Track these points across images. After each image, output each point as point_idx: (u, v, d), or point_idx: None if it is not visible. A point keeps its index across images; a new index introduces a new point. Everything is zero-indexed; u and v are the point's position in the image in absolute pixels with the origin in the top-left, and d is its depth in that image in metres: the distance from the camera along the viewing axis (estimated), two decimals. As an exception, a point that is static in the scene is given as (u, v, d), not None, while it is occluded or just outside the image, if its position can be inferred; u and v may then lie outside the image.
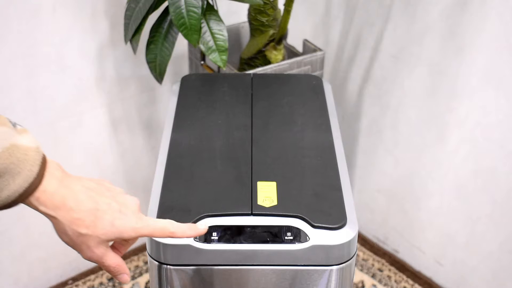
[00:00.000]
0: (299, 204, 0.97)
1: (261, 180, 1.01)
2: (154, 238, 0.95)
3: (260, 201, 0.96)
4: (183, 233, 0.84)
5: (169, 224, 0.84)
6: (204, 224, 0.87)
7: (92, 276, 1.86)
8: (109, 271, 0.84)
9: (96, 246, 0.81)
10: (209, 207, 0.97)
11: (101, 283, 1.85)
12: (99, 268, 1.88)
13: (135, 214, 0.83)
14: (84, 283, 1.85)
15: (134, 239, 0.85)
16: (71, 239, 0.80)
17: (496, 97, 1.51)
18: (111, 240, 0.82)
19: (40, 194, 0.77)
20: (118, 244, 0.87)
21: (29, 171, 0.75)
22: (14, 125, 0.77)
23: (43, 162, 0.77)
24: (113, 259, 0.83)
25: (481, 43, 1.49)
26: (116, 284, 1.85)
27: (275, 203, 0.96)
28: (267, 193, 0.98)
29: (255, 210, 0.97)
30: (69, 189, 0.79)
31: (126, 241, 0.87)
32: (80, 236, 0.79)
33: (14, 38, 1.46)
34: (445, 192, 1.73)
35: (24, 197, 0.76)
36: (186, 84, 1.29)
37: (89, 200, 0.80)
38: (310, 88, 1.28)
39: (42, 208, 0.78)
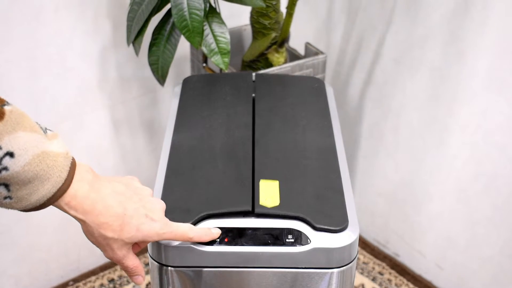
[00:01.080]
0: (300, 206, 0.97)
1: (264, 179, 1.01)
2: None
3: (263, 201, 0.96)
4: (199, 238, 0.90)
5: (189, 230, 0.89)
6: (217, 229, 0.92)
7: (93, 278, 1.86)
8: (126, 271, 0.89)
9: (119, 248, 0.86)
10: (210, 207, 0.97)
11: (101, 285, 1.85)
12: (100, 269, 1.88)
13: (160, 219, 0.88)
14: (85, 284, 1.85)
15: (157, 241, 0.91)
16: (97, 241, 0.85)
17: (497, 101, 1.51)
18: (135, 243, 0.88)
19: (71, 198, 0.80)
20: (135, 246, 0.91)
21: (58, 177, 0.78)
22: (45, 130, 0.80)
23: (72, 168, 0.80)
24: (132, 261, 0.89)
25: (482, 47, 1.49)
26: (117, 286, 1.85)
27: (278, 203, 0.96)
28: (269, 192, 0.98)
29: (256, 211, 0.97)
30: (98, 194, 0.82)
31: (141, 244, 0.92)
32: (106, 239, 0.84)
33: (16, 40, 1.47)
34: (446, 196, 1.73)
35: (52, 200, 0.79)
36: (188, 85, 1.29)
37: (117, 205, 0.84)
38: (312, 90, 1.28)
39: (72, 212, 0.82)
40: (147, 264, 1.91)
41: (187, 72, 1.72)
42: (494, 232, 1.64)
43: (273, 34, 1.50)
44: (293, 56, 1.58)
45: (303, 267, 0.95)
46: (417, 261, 1.89)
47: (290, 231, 0.94)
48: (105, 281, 1.86)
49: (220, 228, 0.95)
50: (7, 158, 0.73)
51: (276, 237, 0.94)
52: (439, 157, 1.70)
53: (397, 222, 1.91)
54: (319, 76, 1.53)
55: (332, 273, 0.96)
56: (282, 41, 1.50)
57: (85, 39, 1.57)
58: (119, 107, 1.72)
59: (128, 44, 1.41)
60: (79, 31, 1.55)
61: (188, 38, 1.32)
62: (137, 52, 1.42)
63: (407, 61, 1.68)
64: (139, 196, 0.88)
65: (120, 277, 1.88)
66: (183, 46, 1.60)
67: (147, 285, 1.86)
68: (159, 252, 0.95)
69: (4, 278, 1.73)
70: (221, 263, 0.95)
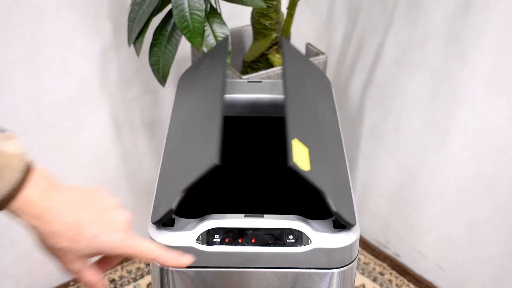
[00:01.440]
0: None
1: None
2: (155, 240, 0.95)
3: (297, 158, 0.92)
4: (164, 261, 0.82)
5: (154, 249, 0.81)
6: (188, 257, 0.84)
7: (94, 278, 1.86)
8: (87, 286, 0.82)
9: (74, 261, 0.79)
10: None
11: (102, 285, 1.85)
12: (101, 270, 1.88)
13: (122, 231, 0.80)
14: (86, 285, 1.84)
15: (119, 256, 0.82)
16: (52, 252, 0.79)
17: (498, 101, 1.51)
18: (91, 256, 0.79)
19: (22, 203, 0.75)
20: (104, 259, 0.84)
21: (10, 178, 0.73)
22: (2, 130, 0.75)
23: (27, 171, 0.75)
24: (91, 276, 0.81)
25: (483, 48, 1.49)
26: (118, 286, 1.85)
27: (309, 168, 0.93)
28: (301, 154, 0.94)
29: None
30: (52, 201, 0.77)
31: (112, 257, 0.84)
32: (58, 249, 0.78)
33: (18, 41, 1.47)
34: (447, 196, 1.73)
35: (4, 203, 0.74)
36: (181, 83, 1.29)
37: (72, 213, 0.77)
38: (323, 83, 1.27)
39: (24, 217, 0.76)
40: (147, 265, 1.91)
41: (188, 73, 1.72)
42: (495, 232, 1.64)
43: (274, 35, 1.50)
44: (294, 56, 1.58)
45: (304, 267, 0.95)
46: (418, 261, 1.89)
47: (291, 231, 0.94)
48: (105, 282, 1.86)
49: (221, 228, 0.95)
50: None
51: (276, 237, 0.94)
52: (439, 158, 1.70)
53: (398, 223, 1.91)
54: (320, 76, 1.53)
55: (332, 273, 0.96)
56: (283, 42, 1.50)
57: (86, 39, 1.57)
58: (120, 108, 1.72)
59: (129, 45, 1.41)
60: (80, 32, 1.55)
61: (189, 39, 1.32)
62: (138, 52, 1.42)
63: (408, 62, 1.68)
64: (100, 206, 0.81)
65: (120, 277, 1.88)
66: (184, 46, 1.61)
67: (148, 285, 1.86)
68: (160, 253, 0.95)
69: (5, 278, 1.73)
70: (222, 263, 0.95)
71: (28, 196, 0.75)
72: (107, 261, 0.84)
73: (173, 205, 0.91)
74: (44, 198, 0.76)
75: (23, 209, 0.76)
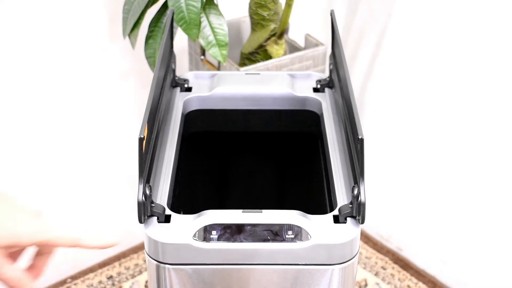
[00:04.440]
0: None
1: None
2: (151, 237, 0.93)
3: None
4: (94, 243, 0.79)
5: (81, 235, 0.78)
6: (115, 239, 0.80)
7: (91, 275, 1.85)
8: (9, 285, 0.76)
9: None
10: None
11: (100, 282, 1.83)
12: (98, 266, 1.87)
13: (35, 217, 0.76)
14: (83, 281, 1.83)
15: (47, 250, 0.79)
16: None
17: (501, 97, 1.50)
18: (8, 248, 0.74)
19: None
20: (35, 261, 0.80)
21: None
22: None
23: None
24: (11, 271, 0.75)
25: (490, 39, 1.47)
26: (116, 283, 1.83)
27: None
28: None
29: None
30: None
31: (40, 254, 0.79)
32: None
33: (8, 36, 1.45)
34: (450, 190, 1.72)
35: None
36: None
37: None
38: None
39: None
40: (145, 261, 1.90)
41: (185, 66, 1.70)
42: (499, 226, 1.63)
43: (272, 26, 1.48)
44: (293, 47, 1.56)
45: (304, 263, 0.93)
46: (420, 255, 1.88)
47: (290, 227, 0.92)
48: (103, 278, 1.84)
49: (218, 224, 0.93)
50: None
51: (275, 233, 0.92)
52: (443, 150, 1.69)
53: (400, 216, 1.90)
54: (319, 68, 1.51)
55: (333, 269, 0.94)
56: (281, 33, 1.48)
57: (80, 31, 1.55)
58: (116, 101, 1.70)
59: (124, 37, 1.39)
60: (74, 24, 1.53)
61: (185, 30, 1.31)
62: (133, 45, 1.40)
63: (409, 53, 1.66)
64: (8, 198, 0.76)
65: (118, 274, 1.86)
66: (181, 38, 1.59)
67: (146, 282, 1.84)
68: (156, 250, 0.94)
69: (1, 275, 1.72)
70: (219, 260, 0.93)
71: None
72: (37, 261, 0.80)
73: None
74: None
75: None
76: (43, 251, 0.80)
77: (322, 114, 1.18)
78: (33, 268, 0.81)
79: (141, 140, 0.91)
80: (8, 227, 0.73)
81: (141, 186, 0.90)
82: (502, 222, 1.62)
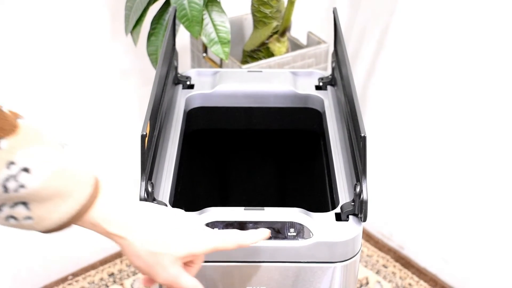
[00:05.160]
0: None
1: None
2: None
3: None
4: (252, 240, 0.84)
5: (241, 235, 0.83)
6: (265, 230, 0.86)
7: (93, 272, 1.85)
8: None
9: (171, 266, 0.78)
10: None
11: (101, 279, 1.83)
12: (100, 263, 1.87)
13: (203, 228, 0.82)
14: (84, 278, 1.83)
15: (202, 259, 0.83)
16: (145, 261, 0.78)
17: (504, 95, 1.49)
18: (185, 258, 0.79)
19: (106, 214, 0.75)
20: (186, 268, 0.83)
21: (81, 193, 0.73)
22: (63, 146, 0.75)
23: (96, 184, 0.75)
24: (189, 280, 0.80)
25: (494, 38, 1.47)
26: (117, 280, 1.83)
27: None
28: None
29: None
30: (132, 209, 0.77)
31: (192, 264, 0.83)
32: (154, 255, 0.77)
33: (10, 34, 1.44)
34: (451, 188, 1.71)
35: (76, 218, 0.73)
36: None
37: (157, 218, 0.78)
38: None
39: (111, 228, 0.76)
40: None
41: (187, 63, 1.70)
42: (500, 225, 1.63)
43: (275, 23, 1.47)
44: (295, 45, 1.56)
45: (306, 261, 0.93)
46: (422, 254, 1.87)
47: (292, 224, 0.92)
48: (105, 275, 1.84)
49: (220, 221, 0.93)
50: (24, 174, 0.68)
51: (278, 231, 0.92)
52: (445, 149, 1.68)
53: (402, 215, 1.89)
54: (321, 65, 1.51)
55: (335, 267, 0.94)
56: (283, 30, 1.48)
57: (82, 28, 1.55)
58: (118, 99, 1.70)
59: (126, 34, 1.39)
60: (76, 21, 1.53)
61: (187, 28, 1.30)
62: (135, 42, 1.40)
63: (411, 51, 1.66)
64: (171, 210, 0.82)
65: (120, 271, 1.86)
66: (183, 36, 1.58)
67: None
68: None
69: (2, 272, 1.72)
70: (221, 257, 0.93)
71: (108, 207, 0.75)
72: (189, 268, 0.83)
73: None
74: (122, 207, 0.76)
75: (110, 220, 0.75)
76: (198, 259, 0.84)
77: (324, 111, 1.18)
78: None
79: (143, 137, 0.91)
80: (186, 241, 0.78)
81: (143, 183, 0.90)
82: (503, 221, 1.62)
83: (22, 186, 0.68)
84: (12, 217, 0.71)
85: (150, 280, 0.82)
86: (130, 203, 0.78)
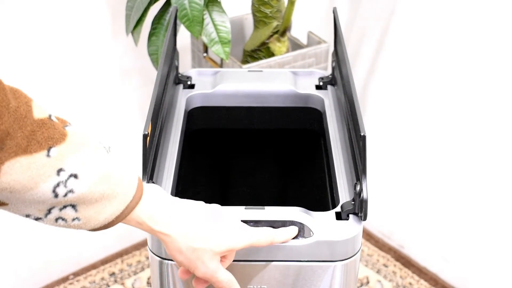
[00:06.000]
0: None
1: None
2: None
3: None
4: (284, 238, 0.89)
5: (271, 231, 0.88)
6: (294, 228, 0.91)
7: (94, 271, 1.85)
8: (220, 287, 0.85)
9: (210, 260, 0.83)
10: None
11: (102, 278, 1.83)
12: (101, 262, 1.87)
13: (240, 224, 0.86)
14: (85, 278, 1.83)
15: (234, 254, 0.87)
16: (186, 256, 0.82)
17: (504, 94, 1.49)
18: (223, 253, 0.84)
19: (150, 213, 0.80)
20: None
21: (125, 194, 0.77)
22: (108, 150, 0.79)
23: (140, 185, 0.80)
24: (226, 274, 0.85)
25: (494, 39, 1.47)
26: (118, 280, 1.84)
27: None
28: None
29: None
30: (175, 204, 0.82)
31: (225, 259, 0.87)
32: (195, 251, 0.82)
33: (11, 33, 1.45)
34: (452, 188, 1.72)
35: (121, 217, 0.78)
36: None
37: (197, 214, 0.83)
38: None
39: (156, 226, 0.80)
40: (147, 258, 1.90)
41: (188, 63, 1.70)
42: (500, 224, 1.63)
43: (275, 23, 1.48)
44: (295, 45, 1.56)
45: (306, 260, 0.93)
46: (422, 253, 1.87)
47: (292, 223, 0.92)
48: (105, 275, 1.84)
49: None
50: (72, 179, 0.72)
51: (278, 230, 0.92)
52: (445, 148, 1.69)
53: (402, 214, 1.90)
54: (321, 65, 1.51)
55: (335, 266, 0.94)
56: (284, 30, 1.48)
57: (83, 28, 1.55)
58: (118, 98, 1.70)
59: (127, 34, 1.39)
60: (77, 21, 1.53)
61: (188, 28, 1.31)
62: (136, 42, 1.40)
63: (411, 51, 1.66)
64: (209, 207, 0.87)
65: (121, 270, 1.86)
66: (184, 36, 1.58)
67: (148, 278, 1.84)
68: (159, 246, 0.94)
69: (4, 271, 1.72)
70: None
71: (151, 206, 0.80)
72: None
73: None
74: (165, 206, 0.81)
75: (154, 219, 0.80)
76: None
77: (324, 111, 1.18)
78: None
79: (145, 136, 0.91)
80: (225, 237, 0.83)
81: (145, 182, 0.90)
82: (503, 220, 1.62)
83: (70, 191, 0.72)
84: (61, 218, 0.75)
85: (187, 272, 0.87)
86: (172, 201, 0.83)
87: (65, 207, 0.74)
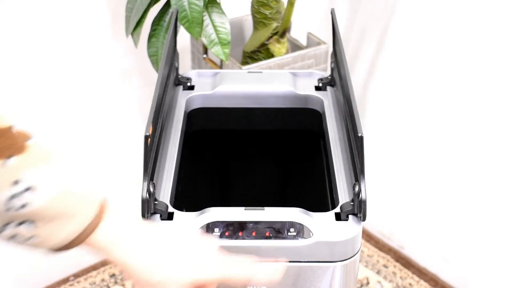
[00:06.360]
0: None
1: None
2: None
3: None
4: (266, 278, 0.78)
5: (253, 266, 0.78)
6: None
7: (94, 273, 1.85)
8: None
9: None
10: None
11: (102, 280, 1.83)
12: (101, 264, 1.87)
13: (216, 254, 0.78)
14: (86, 279, 1.83)
15: (213, 285, 0.78)
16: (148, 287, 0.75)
17: (501, 95, 1.50)
18: (192, 285, 0.75)
19: (107, 237, 0.74)
20: None
21: (85, 215, 0.72)
22: (72, 166, 0.74)
23: (102, 207, 0.74)
24: None
25: (493, 39, 1.47)
26: (118, 281, 1.84)
27: None
28: None
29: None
30: (141, 231, 0.75)
31: None
32: (159, 282, 0.74)
33: (10, 34, 1.45)
34: (451, 188, 1.72)
35: (81, 238, 0.73)
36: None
37: (164, 242, 0.76)
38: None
39: (116, 254, 0.74)
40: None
41: (188, 64, 1.70)
42: (500, 224, 1.63)
43: (274, 24, 1.48)
44: (295, 46, 1.56)
45: (306, 261, 0.93)
46: (422, 253, 1.87)
47: (292, 224, 0.92)
48: (106, 276, 1.84)
49: (220, 221, 0.93)
50: (28, 193, 0.68)
51: (277, 230, 0.92)
52: (444, 148, 1.69)
53: (402, 215, 1.90)
54: (321, 66, 1.51)
55: (335, 266, 0.94)
56: (283, 31, 1.48)
57: (83, 30, 1.55)
58: (119, 100, 1.70)
59: (127, 35, 1.39)
60: (77, 22, 1.53)
61: (187, 29, 1.31)
62: (136, 43, 1.40)
63: (411, 51, 1.66)
64: (184, 234, 0.79)
65: (121, 272, 1.86)
66: (183, 37, 1.59)
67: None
68: (159, 247, 0.94)
69: (4, 273, 1.72)
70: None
71: (110, 229, 0.74)
72: None
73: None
74: (128, 232, 0.75)
75: (112, 245, 0.74)
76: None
77: (324, 112, 1.19)
78: None
79: (146, 138, 0.91)
80: (193, 268, 0.75)
81: (146, 184, 0.91)
82: (503, 221, 1.62)
83: (25, 204, 0.68)
84: (17, 235, 0.72)
85: None
86: (137, 226, 0.76)
87: (21, 223, 0.70)
